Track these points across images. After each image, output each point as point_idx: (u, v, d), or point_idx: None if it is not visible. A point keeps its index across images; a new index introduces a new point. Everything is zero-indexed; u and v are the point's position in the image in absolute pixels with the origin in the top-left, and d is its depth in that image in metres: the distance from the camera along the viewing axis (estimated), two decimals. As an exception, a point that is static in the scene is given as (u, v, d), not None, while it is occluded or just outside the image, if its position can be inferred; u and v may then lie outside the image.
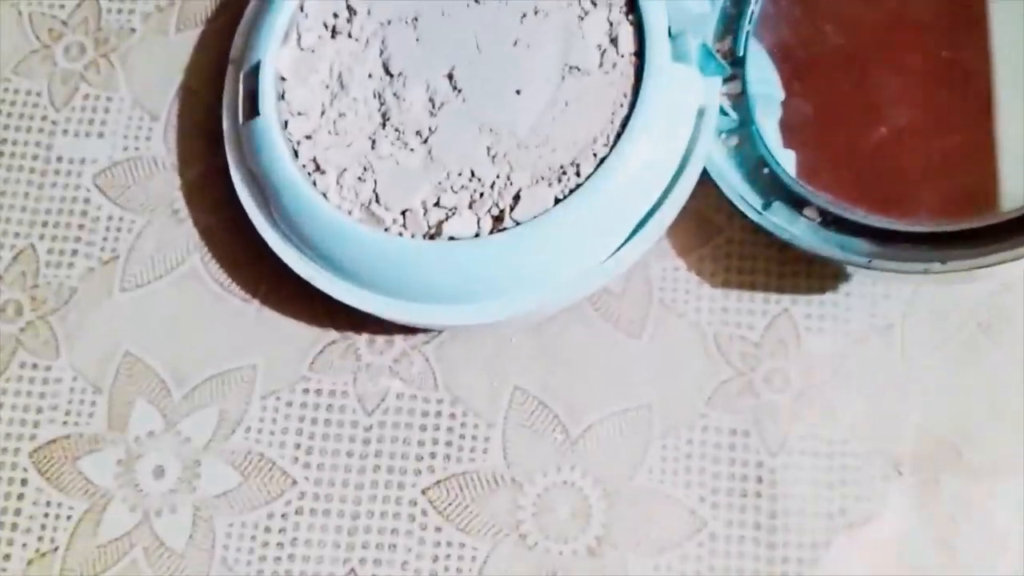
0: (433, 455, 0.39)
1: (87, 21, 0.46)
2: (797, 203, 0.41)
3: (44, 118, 0.44)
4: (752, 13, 0.43)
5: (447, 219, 0.37)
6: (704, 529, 0.38)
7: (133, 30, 0.46)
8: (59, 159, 0.44)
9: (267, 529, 0.39)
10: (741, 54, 0.43)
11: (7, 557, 0.39)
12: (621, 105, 0.37)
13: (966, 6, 0.40)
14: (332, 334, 0.41)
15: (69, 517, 0.39)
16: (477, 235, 0.37)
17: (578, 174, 0.37)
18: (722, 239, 0.42)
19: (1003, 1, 0.40)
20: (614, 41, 0.38)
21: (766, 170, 0.41)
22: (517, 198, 0.37)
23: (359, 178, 0.38)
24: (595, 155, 0.37)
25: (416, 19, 0.40)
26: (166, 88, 0.45)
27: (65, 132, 0.44)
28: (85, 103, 0.45)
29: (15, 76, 0.45)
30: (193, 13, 0.46)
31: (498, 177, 0.37)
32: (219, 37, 0.45)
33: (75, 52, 0.46)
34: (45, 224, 0.43)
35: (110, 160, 0.44)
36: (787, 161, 0.42)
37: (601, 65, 0.38)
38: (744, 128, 0.42)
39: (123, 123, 0.45)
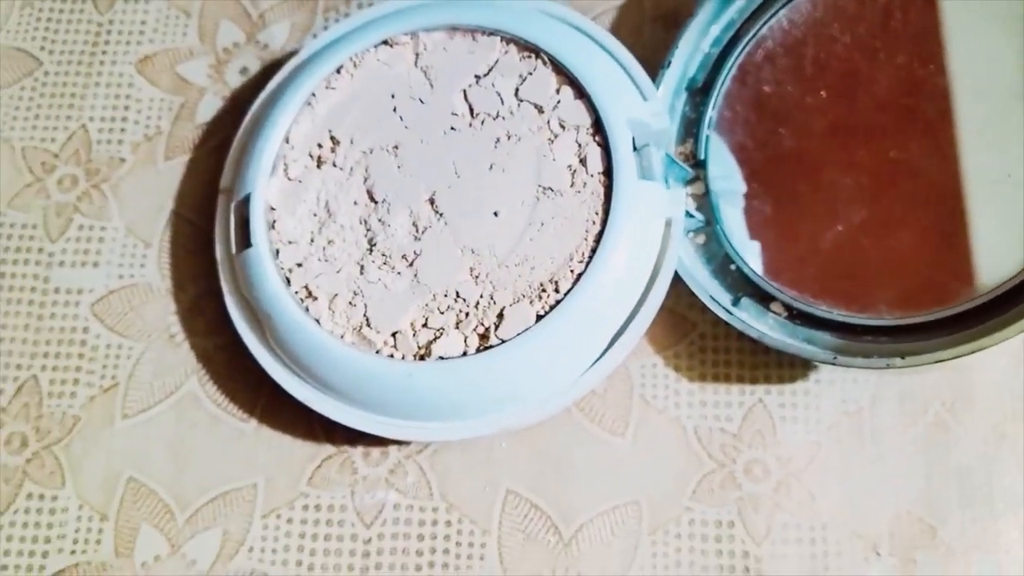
0: (432, 564, 0.41)
1: (78, 153, 0.48)
2: (764, 298, 0.43)
3: (40, 250, 0.46)
4: (711, 118, 0.46)
5: (435, 339, 0.39)
6: (696, 623, 0.40)
7: (123, 160, 0.48)
8: (56, 290, 0.46)
9: (275, 645, 0.40)
10: (702, 156, 0.45)
11: None
12: (593, 223, 0.40)
13: (910, 110, 0.43)
14: (328, 449, 0.43)
15: (80, 644, 0.41)
16: (465, 354, 0.39)
17: (557, 291, 0.39)
18: (696, 335, 0.44)
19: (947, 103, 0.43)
20: (583, 161, 0.41)
21: (732, 266, 0.44)
22: (501, 316, 0.39)
23: (350, 303, 0.40)
24: (572, 272, 0.39)
25: (397, 147, 0.42)
26: (157, 215, 0.47)
27: (61, 263, 0.46)
28: (80, 233, 0.47)
29: (10, 210, 0.47)
30: (181, 141, 0.48)
31: (481, 297, 0.39)
32: (207, 163, 0.47)
33: (68, 184, 0.47)
34: (46, 355, 0.45)
35: (106, 288, 0.46)
36: (753, 253, 0.45)
37: (572, 185, 0.40)
38: (709, 227, 0.44)
39: (117, 251, 0.46)
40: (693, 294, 0.43)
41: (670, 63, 0.46)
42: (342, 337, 0.40)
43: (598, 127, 0.41)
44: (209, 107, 0.48)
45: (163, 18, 0.50)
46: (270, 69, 0.48)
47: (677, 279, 0.43)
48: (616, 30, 0.49)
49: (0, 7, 0.50)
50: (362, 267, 0.41)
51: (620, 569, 0.41)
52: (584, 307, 0.39)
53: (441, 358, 0.39)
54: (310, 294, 0.40)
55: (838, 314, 0.42)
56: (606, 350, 0.40)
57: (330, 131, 0.42)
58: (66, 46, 0.50)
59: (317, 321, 0.40)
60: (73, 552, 0.42)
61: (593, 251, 0.39)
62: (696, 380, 0.44)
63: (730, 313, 0.43)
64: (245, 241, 0.41)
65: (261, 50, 0.49)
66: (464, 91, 0.42)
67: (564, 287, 0.39)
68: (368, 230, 0.41)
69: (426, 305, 0.40)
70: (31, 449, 0.43)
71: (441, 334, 0.39)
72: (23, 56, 0.50)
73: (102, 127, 0.48)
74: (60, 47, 0.50)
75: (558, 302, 0.39)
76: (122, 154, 0.48)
